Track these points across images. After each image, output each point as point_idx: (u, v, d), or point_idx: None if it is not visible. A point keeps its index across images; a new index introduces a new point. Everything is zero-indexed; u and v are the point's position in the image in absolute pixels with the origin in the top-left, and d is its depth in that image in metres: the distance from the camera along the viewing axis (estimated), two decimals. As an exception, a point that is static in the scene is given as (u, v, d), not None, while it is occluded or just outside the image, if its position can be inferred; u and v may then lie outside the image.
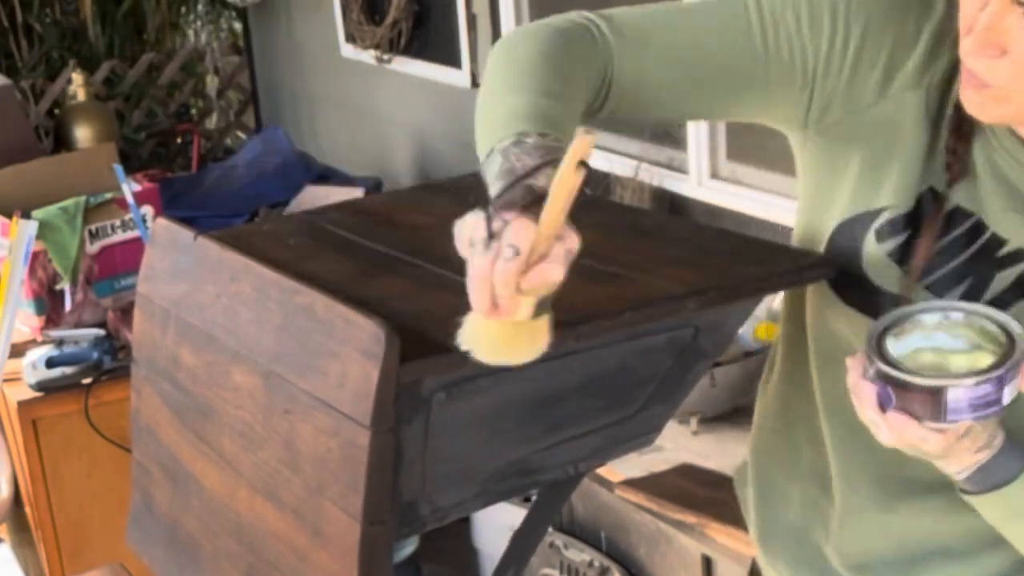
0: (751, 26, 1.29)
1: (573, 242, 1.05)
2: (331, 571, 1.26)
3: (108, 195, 3.14)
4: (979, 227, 1.26)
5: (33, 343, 3.06)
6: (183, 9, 5.98)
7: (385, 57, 4.19)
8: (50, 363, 2.89)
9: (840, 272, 1.32)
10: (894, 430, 1.15)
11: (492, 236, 1.04)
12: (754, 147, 2.97)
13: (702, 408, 2.49)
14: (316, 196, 3.78)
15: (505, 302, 1.04)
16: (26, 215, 3.00)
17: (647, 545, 2.44)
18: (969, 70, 1.18)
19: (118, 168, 3.16)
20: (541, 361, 1.28)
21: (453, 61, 3.90)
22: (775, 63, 1.29)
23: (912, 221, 1.28)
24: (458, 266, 1.39)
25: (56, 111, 4.83)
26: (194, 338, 1.45)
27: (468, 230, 1.05)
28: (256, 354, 1.34)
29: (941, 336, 1.16)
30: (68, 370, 2.88)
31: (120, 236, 3.16)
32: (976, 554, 1.35)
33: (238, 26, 5.58)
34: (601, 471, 2.36)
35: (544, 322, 1.09)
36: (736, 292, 1.35)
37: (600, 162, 3.33)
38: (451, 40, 3.88)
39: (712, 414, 2.53)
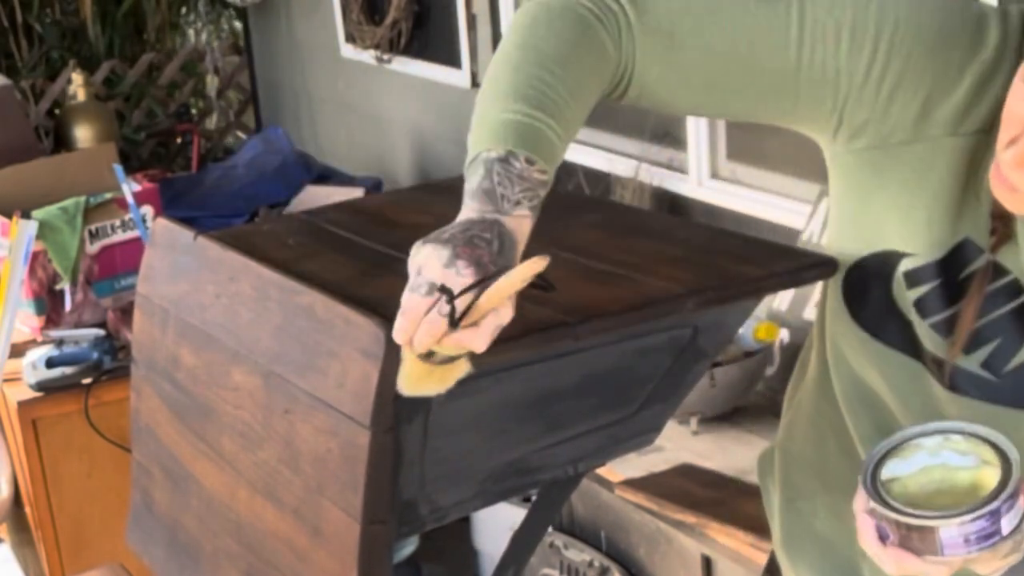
0: (789, 39, 1.22)
1: (506, 317, 1.08)
2: (331, 571, 1.25)
3: (108, 195, 3.13)
4: (1014, 287, 1.22)
5: (33, 343, 3.05)
6: (183, 9, 5.98)
7: (385, 57, 4.19)
8: (50, 363, 2.89)
9: (868, 302, 1.30)
10: (895, 564, 1.14)
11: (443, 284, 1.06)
12: (754, 147, 2.97)
13: (702, 408, 2.49)
14: (316, 196, 3.78)
15: (420, 348, 1.08)
16: (26, 215, 3.00)
17: (647, 545, 2.44)
18: (1003, 173, 1.12)
19: (118, 168, 3.16)
20: (541, 361, 1.29)
21: (453, 61, 3.89)
22: (807, 80, 1.22)
23: (944, 270, 1.24)
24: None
25: (56, 111, 4.83)
26: (194, 338, 1.45)
27: (422, 259, 1.07)
28: (256, 354, 1.34)
29: (948, 453, 1.15)
30: (68, 370, 2.88)
31: (120, 236, 3.16)
32: None
33: (238, 26, 5.58)
34: (601, 471, 2.36)
35: (459, 365, 1.11)
36: (735, 292, 1.35)
37: (600, 162, 3.33)
38: (451, 40, 3.88)
39: (712, 414, 2.53)
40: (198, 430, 1.46)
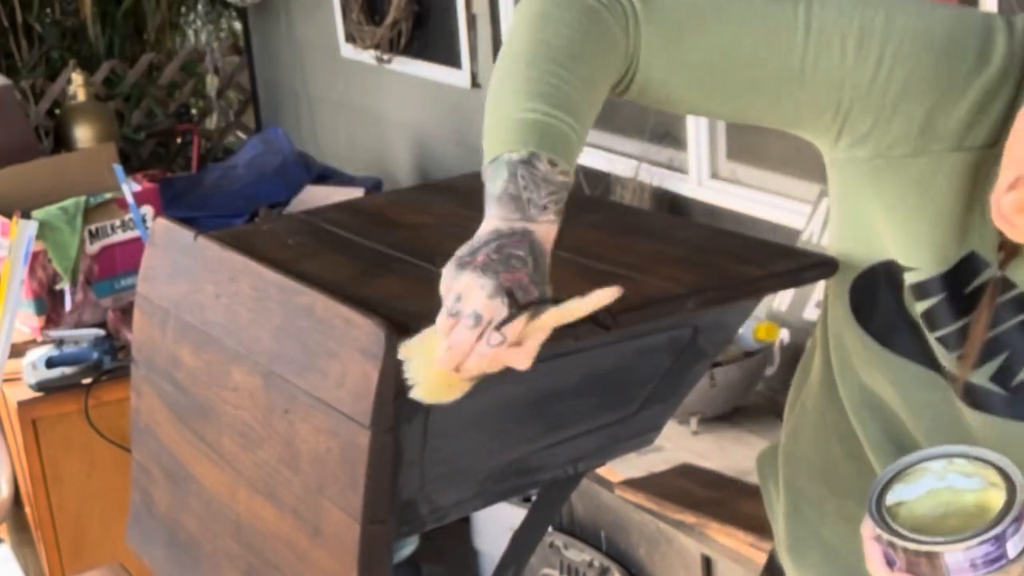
0: (794, 43, 1.20)
1: (547, 333, 1.09)
2: (331, 570, 1.25)
3: (108, 195, 3.14)
4: (1022, 300, 1.21)
5: (33, 343, 3.06)
6: (183, 9, 5.98)
7: (385, 57, 4.19)
8: (50, 363, 2.89)
9: (877, 312, 1.29)
10: None
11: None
12: (754, 147, 2.97)
13: (702, 408, 2.49)
14: (316, 196, 3.78)
15: (469, 375, 1.10)
16: (26, 215, 3.00)
17: (647, 545, 2.44)
18: (1003, 214, 1.12)
19: (118, 168, 3.16)
20: (540, 361, 1.28)
21: (453, 61, 3.89)
22: (810, 86, 1.21)
23: (949, 283, 1.23)
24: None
25: (56, 111, 4.83)
26: (194, 338, 1.45)
27: (462, 287, 1.08)
28: (256, 354, 1.34)
29: (954, 476, 1.15)
30: (68, 370, 2.88)
31: (120, 236, 3.16)
32: None
33: (238, 26, 5.58)
34: (601, 471, 2.36)
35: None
36: (735, 292, 1.35)
37: (600, 162, 3.33)
38: (451, 40, 3.88)
39: (712, 414, 2.53)
40: (198, 430, 1.46)
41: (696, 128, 3.06)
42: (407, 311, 1.26)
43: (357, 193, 3.76)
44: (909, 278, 1.25)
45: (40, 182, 3.18)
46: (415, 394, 1.12)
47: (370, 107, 4.48)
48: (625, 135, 3.32)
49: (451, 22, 3.85)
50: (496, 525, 2.93)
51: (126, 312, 2.96)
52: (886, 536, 1.13)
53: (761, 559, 2.00)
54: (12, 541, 3.21)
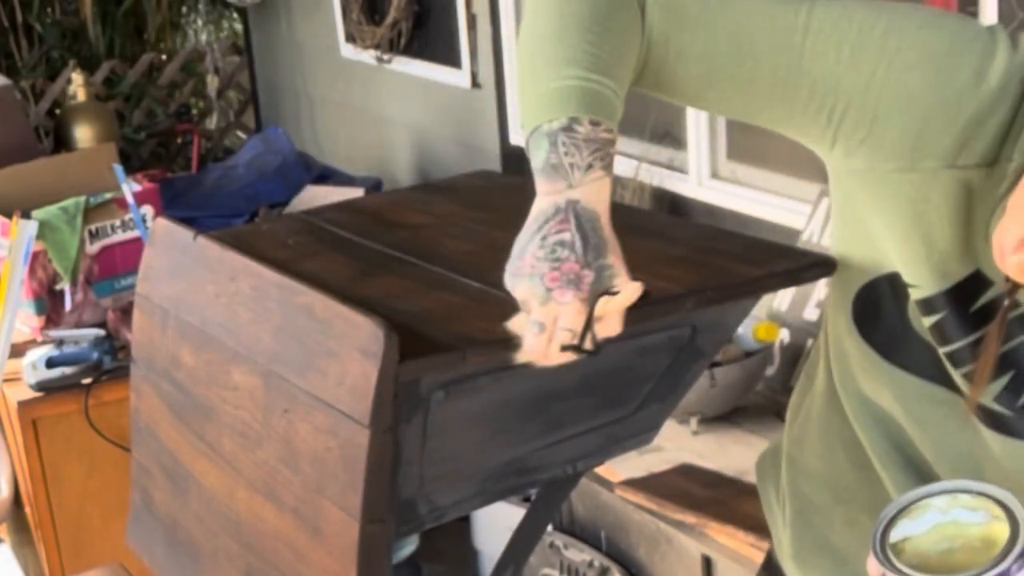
0: (792, 43, 1.19)
1: (634, 293, 1.11)
2: (330, 570, 1.26)
3: (108, 195, 3.13)
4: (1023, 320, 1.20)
5: (33, 343, 3.05)
6: (183, 9, 5.99)
7: (385, 57, 4.19)
8: (50, 363, 2.89)
9: (881, 325, 1.29)
10: None
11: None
12: (754, 147, 2.97)
13: (702, 408, 2.49)
14: (316, 196, 3.78)
15: (555, 362, 1.13)
16: (26, 215, 3.00)
17: (647, 545, 2.44)
18: (1012, 272, 1.12)
19: (118, 168, 3.16)
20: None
21: (453, 61, 3.89)
22: (806, 88, 1.20)
23: (953, 300, 1.22)
24: (457, 266, 1.39)
25: (56, 111, 4.83)
26: (193, 338, 1.45)
27: (522, 295, 1.10)
28: (255, 354, 1.34)
29: (958, 511, 1.14)
30: (68, 370, 2.88)
31: (120, 236, 3.16)
32: None
33: (238, 26, 5.58)
34: (601, 471, 2.35)
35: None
36: (734, 291, 1.35)
37: (600, 162, 3.33)
38: (451, 40, 3.88)
39: (712, 414, 2.53)
40: (198, 430, 1.46)
41: (696, 128, 3.06)
42: (407, 311, 1.27)
43: (357, 193, 3.76)
44: (914, 293, 1.24)
45: (40, 182, 3.18)
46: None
47: (370, 107, 4.48)
48: (625, 135, 3.31)
49: (451, 22, 3.85)
50: (496, 525, 2.93)
51: (126, 312, 2.96)
52: (891, 575, 1.13)
53: (760, 559, 2.00)
54: (12, 541, 3.21)
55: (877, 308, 1.29)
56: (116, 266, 3.15)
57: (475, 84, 3.84)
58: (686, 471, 2.41)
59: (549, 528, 2.54)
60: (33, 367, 2.88)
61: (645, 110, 3.16)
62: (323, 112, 4.80)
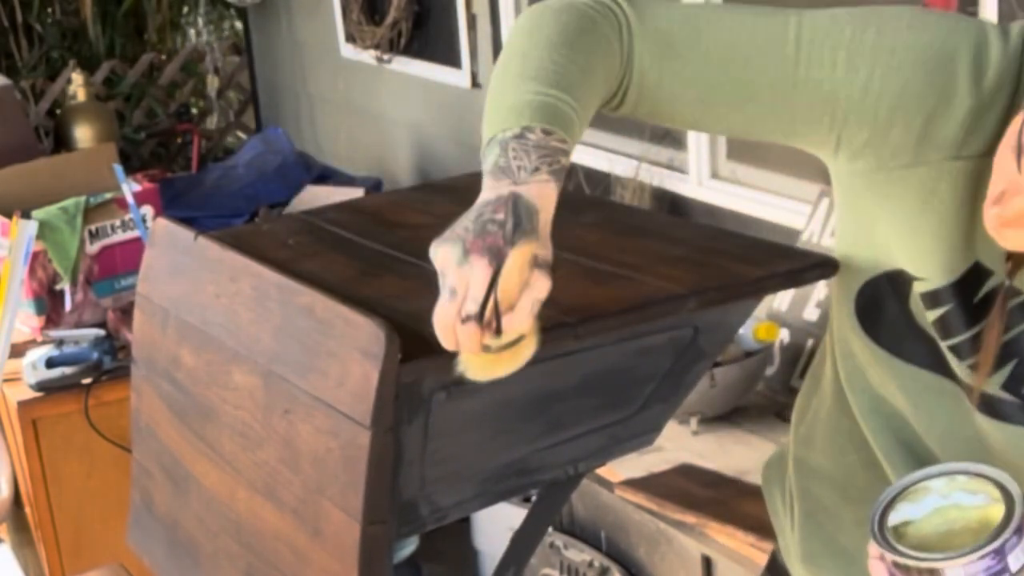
0: (786, 55, 1.20)
1: (542, 289, 1.06)
2: (331, 571, 1.25)
3: (108, 195, 3.13)
4: None
5: (33, 343, 3.05)
6: (184, 9, 5.99)
7: (385, 57, 4.19)
8: (50, 363, 2.89)
9: (883, 320, 1.29)
10: None
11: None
12: (754, 147, 2.97)
13: (702, 408, 2.49)
14: (316, 196, 3.78)
15: (470, 351, 1.07)
16: (26, 215, 3.00)
17: (647, 545, 2.44)
18: (990, 227, 1.12)
19: (118, 168, 3.16)
20: (541, 361, 1.28)
21: (453, 61, 3.89)
22: (803, 98, 1.21)
23: (958, 293, 1.22)
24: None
25: (56, 111, 4.83)
26: (194, 338, 1.45)
27: (440, 261, 1.07)
28: (256, 354, 1.34)
29: (959, 494, 1.15)
30: (68, 370, 2.88)
31: (120, 236, 3.16)
32: None
33: (238, 26, 5.58)
34: (601, 471, 2.35)
35: (526, 343, 1.10)
36: (736, 292, 1.35)
37: (600, 162, 3.33)
38: (451, 40, 3.88)
39: (712, 414, 2.53)
40: (198, 430, 1.46)
41: (696, 128, 3.06)
42: (407, 311, 1.26)
43: (357, 193, 3.76)
44: (919, 287, 1.24)
45: (40, 182, 3.18)
46: (469, 375, 1.11)
47: (370, 107, 4.48)
48: (625, 135, 3.32)
49: (451, 22, 3.85)
50: (496, 525, 2.93)
51: (126, 312, 2.96)
52: (889, 555, 1.13)
53: (761, 559, 2.00)
54: (12, 541, 3.21)
55: (879, 305, 1.29)
56: (116, 266, 3.15)
57: (475, 84, 3.84)
58: (686, 471, 2.41)
59: (549, 528, 2.54)
60: (33, 367, 2.88)
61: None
62: (323, 112, 4.80)
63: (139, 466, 1.62)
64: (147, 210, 3.16)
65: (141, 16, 5.71)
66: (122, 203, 3.14)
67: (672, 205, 3.16)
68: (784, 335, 2.62)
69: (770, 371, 2.62)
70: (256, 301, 1.35)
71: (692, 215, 3.10)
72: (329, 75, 4.65)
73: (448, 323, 1.06)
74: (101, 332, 2.97)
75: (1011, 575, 1.10)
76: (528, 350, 1.10)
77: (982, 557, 1.09)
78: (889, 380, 1.31)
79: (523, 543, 1.66)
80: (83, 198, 3.09)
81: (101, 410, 2.84)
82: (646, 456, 2.40)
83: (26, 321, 3.09)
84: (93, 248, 3.11)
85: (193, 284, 1.47)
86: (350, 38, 4.37)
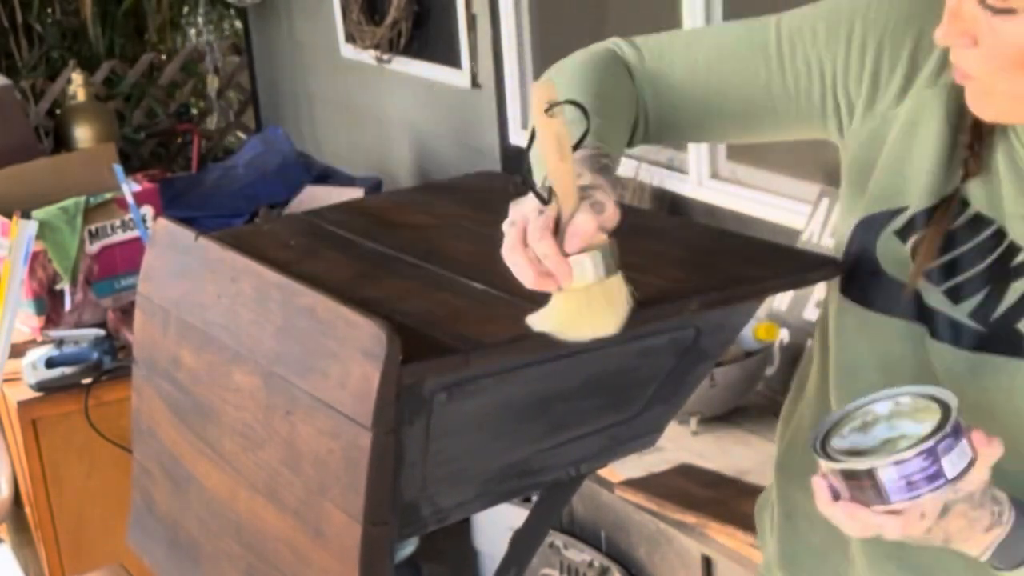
0: (769, 50, 1.32)
1: (600, 193, 1.09)
2: (332, 572, 1.25)
3: (108, 195, 3.13)
4: (999, 234, 1.24)
5: (33, 343, 3.05)
6: (184, 9, 5.99)
7: (385, 57, 4.19)
8: (50, 363, 2.89)
9: (858, 275, 1.31)
10: (849, 519, 1.13)
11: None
12: (754, 147, 2.97)
13: (702, 408, 2.49)
14: (316, 196, 3.78)
15: (553, 264, 1.07)
16: (26, 215, 3.00)
17: (647, 545, 2.44)
18: (953, 60, 1.18)
19: (118, 168, 3.16)
20: (543, 362, 1.28)
21: (453, 61, 3.89)
22: (792, 78, 1.32)
23: (935, 220, 1.26)
24: (460, 267, 1.39)
25: (56, 111, 4.83)
26: (195, 338, 1.45)
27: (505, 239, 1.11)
28: (257, 355, 1.34)
29: (905, 423, 1.15)
30: (68, 370, 2.88)
31: (120, 236, 3.16)
32: None
33: (238, 26, 5.58)
34: (601, 471, 2.35)
35: (616, 281, 1.10)
36: (738, 293, 1.35)
37: (600, 162, 3.33)
38: (451, 40, 3.88)
39: (712, 414, 2.53)
40: (199, 431, 1.46)
41: (696, 128, 3.06)
42: (409, 312, 1.26)
43: (357, 193, 3.76)
44: (895, 224, 1.28)
45: (40, 182, 3.18)
46: (566, 332, 1.12)
47: (370, 107, 4.48)
48: (625, 135, 3.31)
49: (451, 22, 3.85)
50: (496, 525, 2.93)
51: (126, 312, 2.96)
52: (826, 464, 1.13)
53: (761, 559, 2.00)
54: (12, 541, 3.21)
55: (855, 259, 1.32)
56: (116, 266, 3.15)
57: (475, 84, 3.84)
58: (686, 471, 2.41)
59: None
60: (33, 367, 2.88)
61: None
62: (323, 112, 4.80)
63: (139, 466, 1.62)
64: (147, 210, 3.16)
65: (141, 16, 5.72)
66: (122, 203, 3.14)
67: (672, 205, 3.16)
68: (784, 335, 2.62)
69: (770, 371, 2.62)
70: (257, 302, 1.34)
71: (692, 215, 3.10)
72: (329, 75, 4.65)
73: (514, 244, 1.09)
74: (101, 332, 2.97)
75: (947, 481, 1.10)
76: (620, 292, 1.10)
77: (914, 456, 1.09)
78: (863, 338, 1.32)
79: (524, 544, 1.66)
80: (83, 198, 3.09)
81: (101, 410, 2.84)
82: (646, 456, 2.39)
83: (26, 321, 3.09)
84: (93, 248, 3.12)
85: (194, 284, 1.47)
86: (350, 38, 4.37)
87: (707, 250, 1.43)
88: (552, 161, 1.07)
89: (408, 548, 3.14)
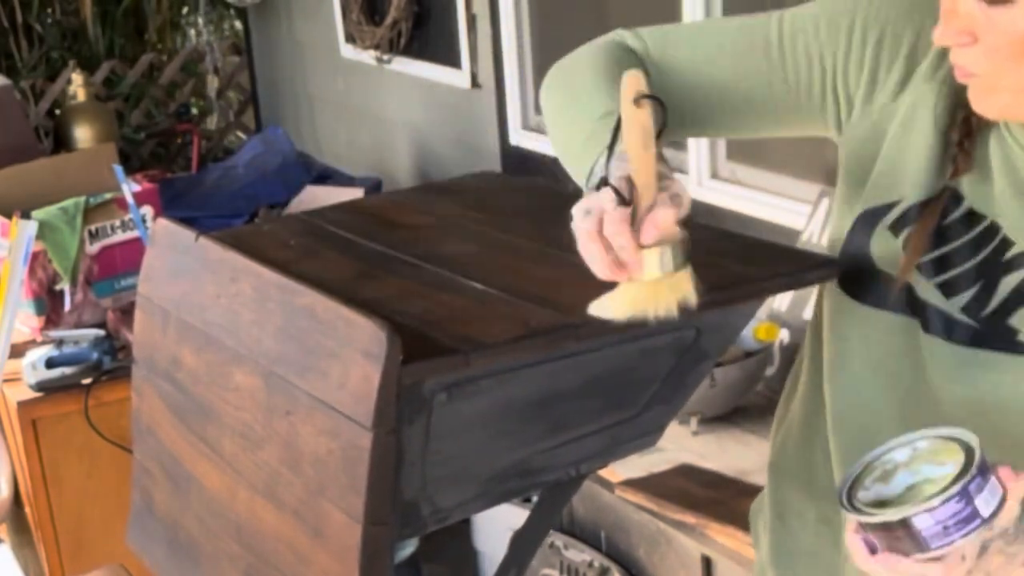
0: (770, 42, 1.33)
1: (676, 185, 1.11)
2: (331, 572, 1.25)
3: (108, 195, 3.13)
4: (992, 229, 1.25)
5: (33, 343, 3.05)
6: (184, 9, 5.99)
7: (385, 57, 4.19)
8: (50, 363, 2.89)
9: (851, 269, 1.32)
10: (889, 571, 1.13)
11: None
12: (754, 147, 2.97)
13: (702, 408, 2.49)
14: (316, 196, 3.78)
15: (628, 255, 1.08)
16: (26, 215, 3.00)
17: (647, 545, 2.44)
18: (954, 61, 1.18)
19: (118, 168, 3.16)
20: (543, 362, 1.28)
21: (453, 61, 3.89)
22: (793, 70, 1.32)
23: (927, 214, 1.27)
24: (460, 267, 1.39)
25: (56, 111, 4.83)
26: (194, 339, 1.45)
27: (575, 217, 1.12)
28: (257, 355, 1.34)
29: (926, 467, 1.14)
30: (68, 370, 2.88)
31: (120, 236, 3.16)
32: None
33: (238, 26, 5.58)
34: (601, 472, 2.35)
35: (684, 275, 1.11)
36: (739, 293, 1.35)
37: (600, 162, 3.33)
38: (451, 40, 3.88)
39: (712, 414, 2.53)
40: (199, 431, 1.46)
41: (696, 128, 3.06)
42: (408, 312, 1.26)
43: (357, 193, 3.76)
44: (889, 218, 1.29)
45: (40, 182, 3.18)
46: (629, 310, 1.12)
47: (370, 107, 4.47)
48: (625, 135, 3.31)
49: (451, 22, 3.85)
50: (497, 525, 2.93)
51: (126, 312, 2.96)
52: (859, 519, 1.13)
53: (762, 560, 2.00)
54: (12, 541, 3.21)
55: (851, 253, 1.33)
56: (116, 266, 3.15)
57: (475, 84, 3.84)
58: (686, 471, 2.41)
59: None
60: (33, 367, 2.88)
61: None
62: (323, 112, 4.80)
63: (139, 466, 1.62)
64: (147, 210, 3.16)
65: (141, 16, 5.72)
66: (122, 203, 3.14)
67: (672, 205, 3.16)
68: (784, 335, 2.62)
69: (770, 371, 2.62)
70: (257, 302, 1.34)
71: (692, 215, 3.09)
72: (329, 75, 4.65)
73: (591, 235, 1.09)
74: (101, 332, 2.97)
75: (983, 521, 1.10)
76: (687, 286, 1.11)
77: (945, 501, 1.09)
78: (855, 333, 1.32)
79: (524, 544, 1.66)
80: (83, 198, 3.09)
81: (101, 410, 2.84)
82: (646, 456, 2.39)
83: (26, 321, 3.09)
84: (93, 248, 3.11)
85: (194, 285, 1.47)
86: (350, 38, 4.37)
87: (707, 250, 1.43)
88: (636, 151, 1.08)
89: (408, 548, 3.14)
